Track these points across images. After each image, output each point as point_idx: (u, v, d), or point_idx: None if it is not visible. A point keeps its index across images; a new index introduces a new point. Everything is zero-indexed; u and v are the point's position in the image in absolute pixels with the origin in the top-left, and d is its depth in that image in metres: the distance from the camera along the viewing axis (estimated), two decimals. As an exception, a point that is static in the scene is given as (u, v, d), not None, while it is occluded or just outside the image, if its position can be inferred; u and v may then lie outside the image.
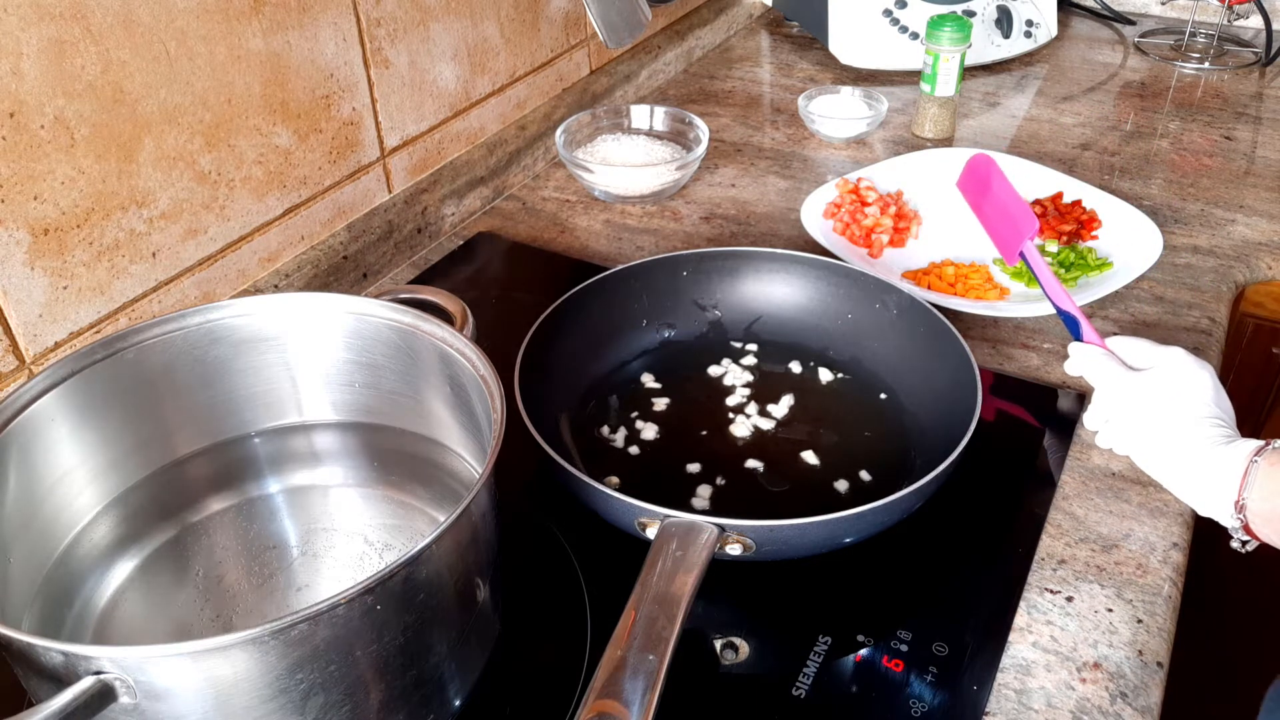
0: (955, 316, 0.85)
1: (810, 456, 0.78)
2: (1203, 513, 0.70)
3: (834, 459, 0.77)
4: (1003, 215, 0.84)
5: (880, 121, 1.27)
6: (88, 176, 0.73)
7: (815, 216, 1.03)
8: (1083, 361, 0.76)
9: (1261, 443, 0.66)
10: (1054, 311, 0.81)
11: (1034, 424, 0.82)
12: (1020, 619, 0.66)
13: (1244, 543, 0.68)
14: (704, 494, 0.74)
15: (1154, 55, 1.50)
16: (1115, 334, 0.78)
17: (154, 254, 0.80)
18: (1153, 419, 0.71)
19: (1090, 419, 0.77)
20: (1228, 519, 0.67)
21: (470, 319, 0.69)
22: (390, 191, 1.02)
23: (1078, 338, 0.78)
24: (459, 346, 0.62)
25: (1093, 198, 1.06)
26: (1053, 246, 1.00)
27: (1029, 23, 1.46)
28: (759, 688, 0.63)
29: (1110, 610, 0.67)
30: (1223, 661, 1.40)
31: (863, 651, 0.64)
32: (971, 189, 0.90)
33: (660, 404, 0.83)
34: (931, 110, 1.25)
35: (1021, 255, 0.81)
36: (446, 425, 0.68)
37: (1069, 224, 1.02)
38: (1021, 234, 0.81)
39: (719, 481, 0.76)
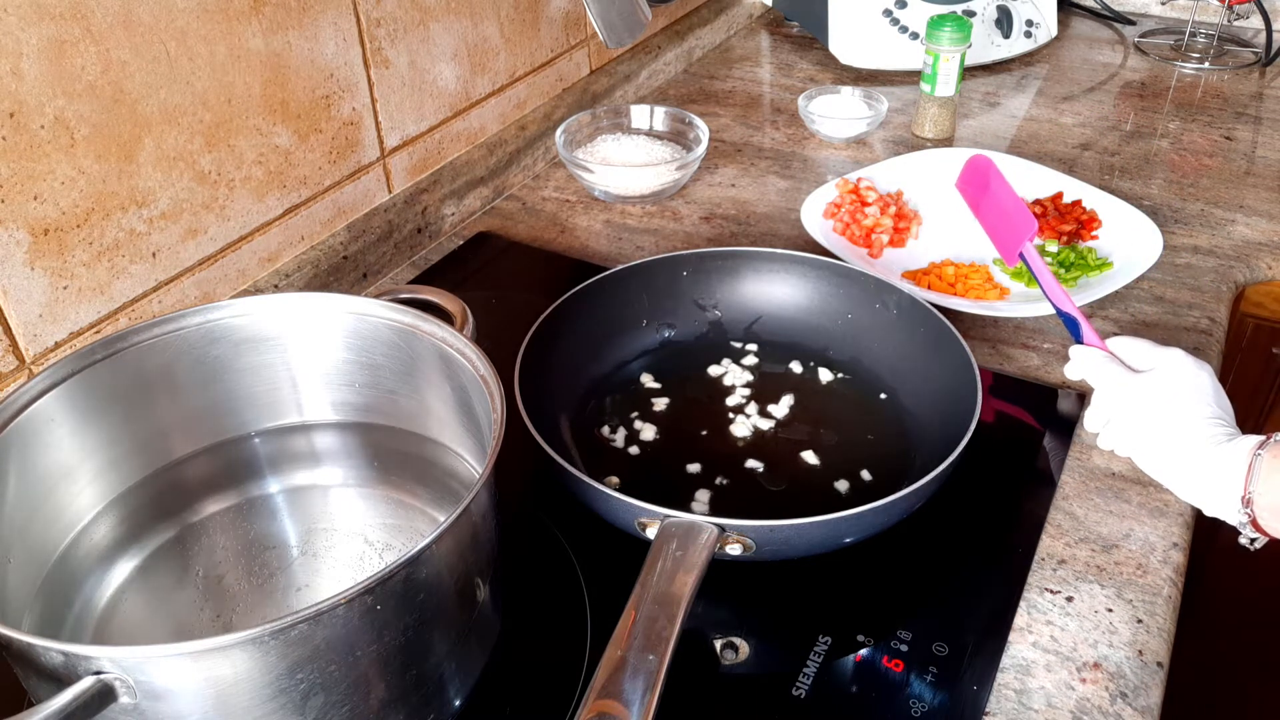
0: (955, 316, 0.85)
1: (810, 456, 0.78)
2: (1209, 512, 0.70)
3: (834, 459, 0.77)
4: (1002, 216, 0.84)
5: (880, 121, 1.27)
6: (88, 176, 0.73)
7: (815, 216, 1.03)
8: (1083, 364, 0.77)
9: (1263, 437, 0.66)
10: (1054, 312, 0.81)
11: (1034, 424, 0.82)
12: (1020, 619, 0.66)
13: (1252, 540, 0.68)
14: (704, 494, 0.74)
15: (1154, 55, 1.50)
16: (1115, 334, 0.78)
17: (154, 254, 0.80)
18: (1155, 420, 0.71)
19: (1091, 420, 0.77)
20: (1235, 515, 0.67)
21: (470, 319, 0.69)
22: (390, 191, 1.02)
23: (1078, 338, 0.78)
24: (459, 346, 0.62)
25: (1093, 198, 1.06)
26: (1053, 246, 1.00)
27: (1029, 23, 1.46)
28: (759, 688, 0.63)
29: (1110, 610, 0.67)
30: (1222, 662, 1.40)
31: (863, 651, 0.64)
32: (971, 190, 0.90)
33: (660, 404, 0.83)
34: (931, 110, 1.25)
35: (1021, 256, 0.81)
36: (446, 425, 0.68)
37: (1069, 224, 1.02)
38: (1020, 235, 0.81)
39: (719, 481, 0.76)
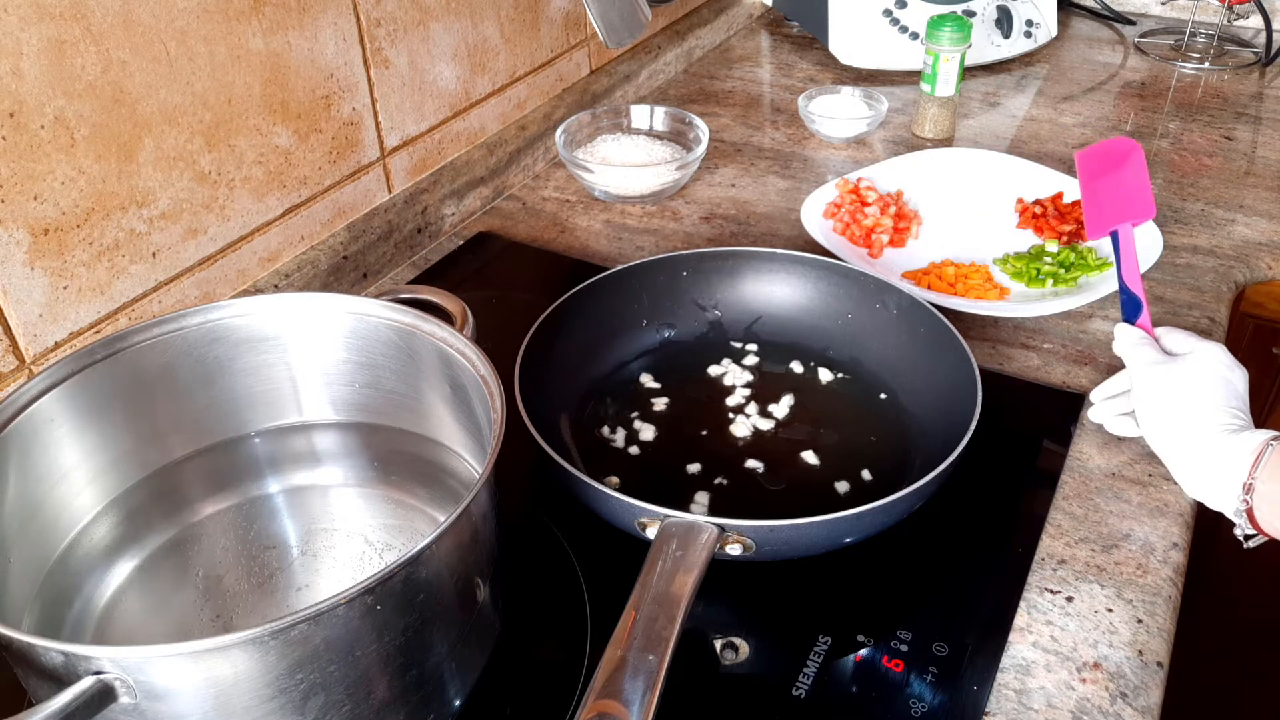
0: (955, 316, 0.85)
1: (810, 456, 0.78)
2: (1209, 503, 0.70)
3: (834, 459, 0.77)
4: (1118, 191, 0.86)
5: (880, 121, 1.27)
6: (88, 176, 0.73)
7: (815, 216, 1.03)
8: (1122, 340, 0.77)
9: (1276, 431, 0.66)
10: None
11: (1034, 425, 0.82)
12: (1020, 619, 0.66)
13: (1248, 536, 0.68)
14: (704, 494, 0.74)
15: (1154, 55, 1.50)
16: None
17: (154, 254, 0.80)
18: (1172, 400, 0.71)
19: (1100, 390, 0.78)
20: (1233, 503, 0.67)
21: (470, 319, 0.69)
22: (390, 191, 1.02)
23: (1127, 319, 0.79)
24: (459, 346, 0.62)
25: (1093, 198, 1.06)
26: (1053, 246, 1.00)
27: (1029, 23, 1.46)
28: (759, 688, 0.63)
29: (1110, 610, 0.67)
30: (1222, 661, 1.40)
31: (863, 651, 0.64)
32: (1093, 161, 0.91)
33: (660, 404, 0.83)
34: (931, 110, 1.25)
35: (1113, 234, 0.82)
36: (446, 425, 0.68)
37: (1069, 224, 1.02)
38: (1129, 215, 0.82)
39: (719, 482, 0.76)
